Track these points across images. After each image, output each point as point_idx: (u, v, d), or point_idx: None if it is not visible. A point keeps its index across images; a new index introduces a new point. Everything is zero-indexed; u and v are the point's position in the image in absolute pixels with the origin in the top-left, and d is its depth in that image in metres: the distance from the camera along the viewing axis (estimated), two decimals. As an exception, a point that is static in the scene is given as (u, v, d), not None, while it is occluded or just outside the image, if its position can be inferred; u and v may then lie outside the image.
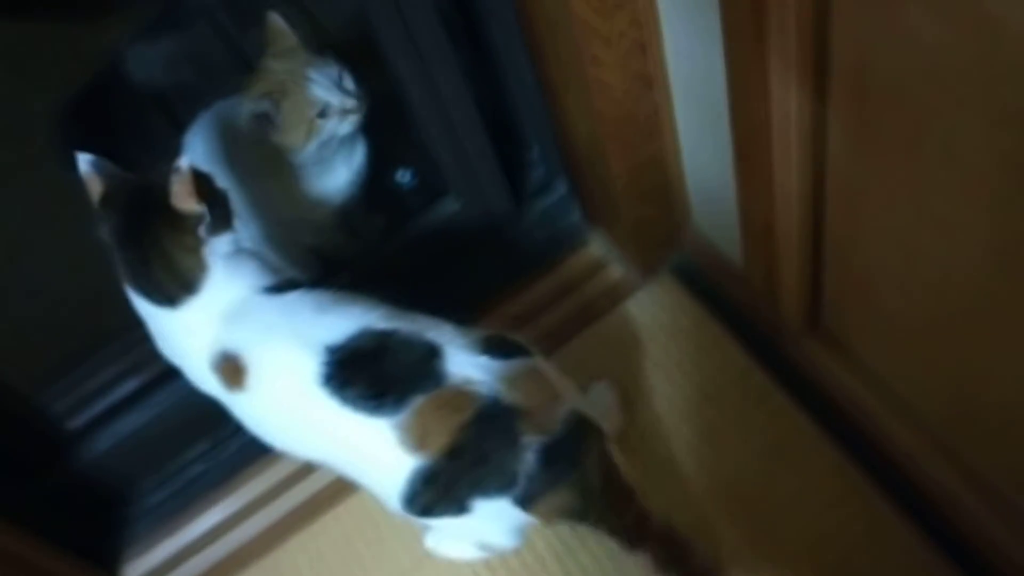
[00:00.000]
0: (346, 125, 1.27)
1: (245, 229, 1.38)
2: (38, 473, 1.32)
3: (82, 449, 1.35)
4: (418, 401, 0.96)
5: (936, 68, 0.73)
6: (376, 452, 0.97)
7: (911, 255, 0.93)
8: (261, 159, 1.30)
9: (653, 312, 1.40)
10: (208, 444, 1.42)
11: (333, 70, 1.24)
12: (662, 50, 1.08)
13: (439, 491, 0.98)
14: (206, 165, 1.33)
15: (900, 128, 0.82)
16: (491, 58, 1.30)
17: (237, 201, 1.32)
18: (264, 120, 1.21)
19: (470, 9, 1.26)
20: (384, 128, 1.38)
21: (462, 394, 0.96)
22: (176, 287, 1.01)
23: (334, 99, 1.23)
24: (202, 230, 0.99)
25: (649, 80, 1.11)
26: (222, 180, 1.30)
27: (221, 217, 1.01)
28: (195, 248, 1.00)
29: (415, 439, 0.96)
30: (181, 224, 0.99)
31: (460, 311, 1.28)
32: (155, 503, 1.39)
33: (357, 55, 1.30)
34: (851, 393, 1.18)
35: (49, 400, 1.39)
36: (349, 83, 1.25)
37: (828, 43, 0.83)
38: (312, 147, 1.25)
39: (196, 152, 1.37)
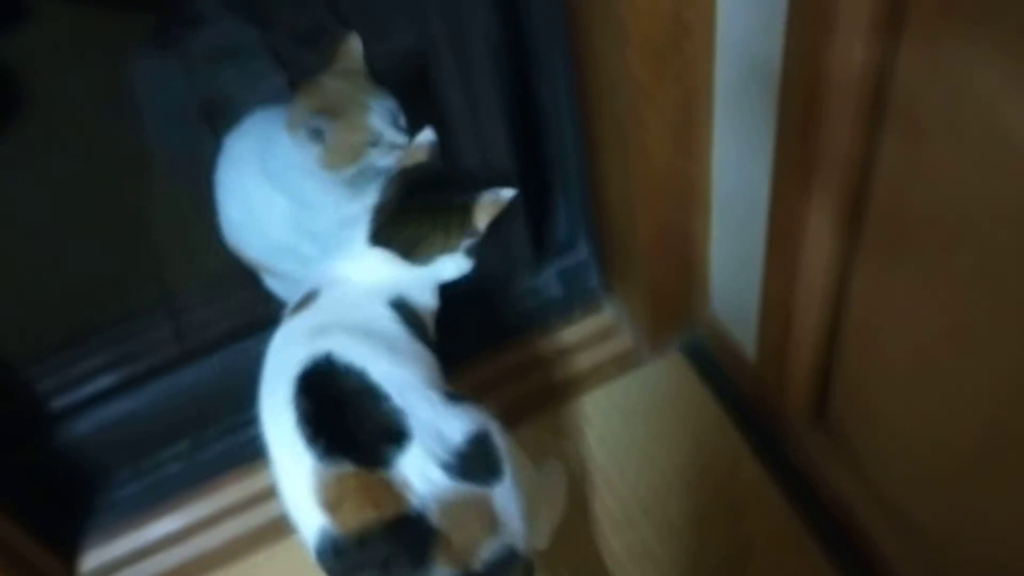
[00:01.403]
0: (389, 159, 1.27)
1: (267, 236, 1.38)
2: (13, 446, 1.30)
3: (62, 430, 1.33)
4: (346, 467, 0.91)
5: (972, 209, 0.74)
6: (296, 486, 0.94)
7: (927, 371, 0.93)
8: (296, 170, 1.29)
9: (657, 386, 1.39)
10: (188, 444, 1.40)
11: (392, 104, 1.24)
12: (711, 130, 1.09)
13: (345, 569, 0.93)
14: (242, 167, 1.35)
15: (929, 256, 0.83)
16: (536, 106, 1.31)
17: (267, 207, 1.33)
18: (314, 135, 1.20)
19: (523, 55, 1.27)
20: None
21: (391, 493, 0.90)
22: (409, 252, 1.06)
23: (388, 132, 1.22)
24: (464, 244, 1.06)
25: (691, 155, 1.11)
26: (255, 185, 1.33)
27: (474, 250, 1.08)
28: (447, 246, 1.06)
29: (328, 501, 0.91)
30: (455, 222, 1.06)
31: (461, 354, 1.27)
32: (125, 496, 1.36)
33: (402, 91, 1.30)
34: (846, 497, 1.16)
35: (39, 376, 1.37)
36: (402, 120, 1.26)
37: (869, 188, 0.85)
38: (351, 172, 1.25)
39: (234, 154, 1.38)
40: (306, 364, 0.96)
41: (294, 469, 0.93)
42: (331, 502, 0.91)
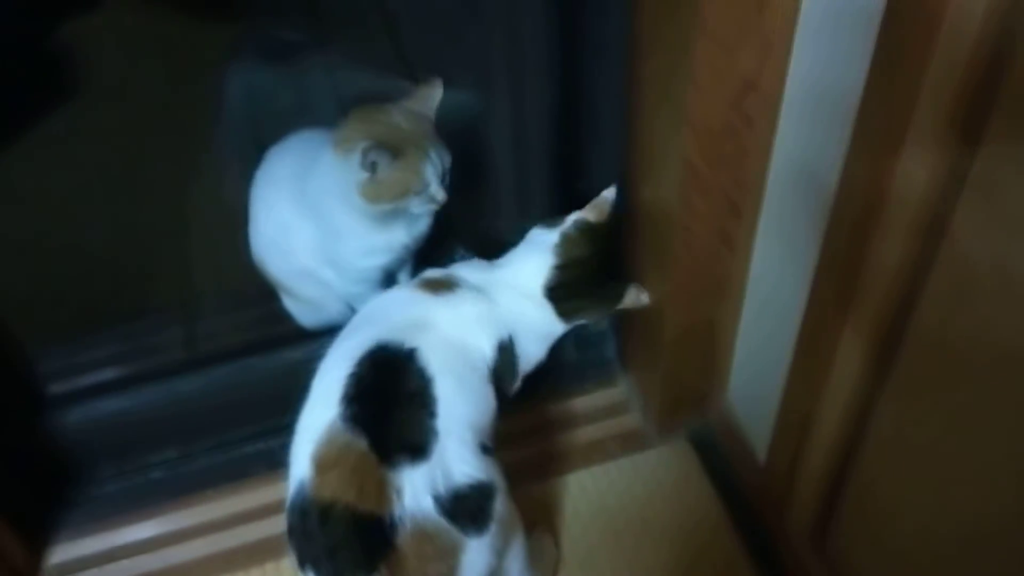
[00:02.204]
0: (423, 210, 1.26)
1: (291, 257, 1.37)
2: (2, 424, 1.28)
3: (53, 416, 1.31)
4: (359, 442, 0.91)
5: (1018, 353, 0.72)
6: (308, 427, 0.95)
7: (946, 512, 0.89)
8: (331, 196, 1.28)
9: (659, 472, 1.35)
10: (176, 453, 1.37)
11: (447, 159, 1.23)
12: (755, 224, 1.07)
13: (299, 532, 0.94)
14: (279, 185, 1.34)
15: (966, 395, 0.80)
16: (582, 170, 1.30)
17: (296, 229, 1.32)
18: (368, 163, 1.19)
19: (577, 124, 1.26)
20: (460, 204, 1.37)
21: (379, 490, 0.90)
22: (568, 315, 1.12)
23: (434, 185, 1.21)
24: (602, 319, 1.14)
25: (732, 245, 1.09)
26: (288, 205, 1.32)
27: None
28: (592, 315, 1.15)
29: (322, 459, 0.92)
30: (610, 308, 1.16)
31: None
32: (103, 494, 1.34)
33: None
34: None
35: (42, 357, 1.35)
36: (448, 178, 1.25)
37: (910, 317, 0.83)
38: (385, 208, 1.24)
39: (274, 170, 1.37)
40: (393, 340, 0.98)
41: (317, 411, 0.95)
42: (324, 462, 0.92)
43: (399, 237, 1.28)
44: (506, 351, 1.07)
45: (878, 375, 0.91)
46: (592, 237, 1.12)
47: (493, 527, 0.97)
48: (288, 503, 0.95)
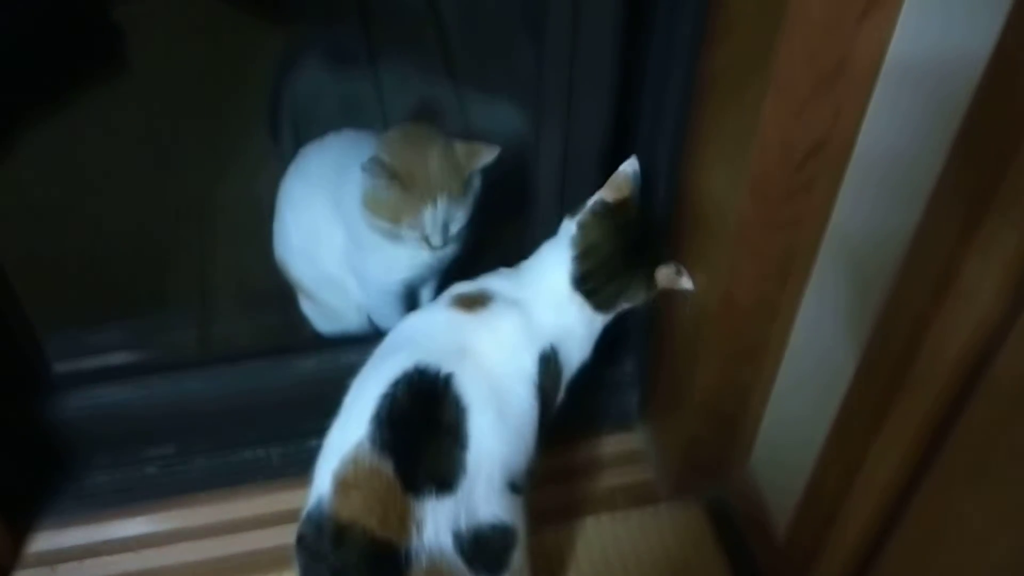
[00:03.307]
0: (418, 249, 1.23)
1: (317, 262, 1.33)
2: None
3: (54, 398, 1.27)
4: (386, 467, 0.88)
5: None
6: (336, 441, 0.93)
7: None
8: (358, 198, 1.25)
9: (669, 533, 1.28)
10: (173, 450, 1.34)
11: (459, 215, 1.20)
12: (802, 291, 1.01)
13: (310, 548, 0.90)
14: (313, 185, 1.30)
15: (1015, 493, 0.74)
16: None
17: (326, 234, 1.28)
18: (369, 173, 1.16)
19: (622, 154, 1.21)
20: (491, 232, 1.32)
21: (401, 520, 0.87)
22: (605, 304, 1.04)
23: (433, 236, 1.19)
24: (647, 300, 1.05)
25: (775, 312, 1.04)
26: (321, 207, 1.28)
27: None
28: (634, 299, 1.05)
29: (345, 479, 0.89)
30: (645, 286, 1.05)
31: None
32: (94, 485, 1.30)
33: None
34: None
35: (49, 334, 1.31)
36: (454, 229, 1.21)
37: (963, 408, 0.78)
38: (381, 226, 1.20)
39: (309, 168, 1.34)
40: (430, 365, 0.94)
41: (347, 429, 0.92)
42: (346, 481, 0.89)
43: (420, 257, 1.24)
44: (549, 362, 1.01)
45: (921, 467, 0.85)
46: (612, 217, 1.04)
47: (506, 575, 0.93)
48: (304, 514, 0.92)
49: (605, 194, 1.04)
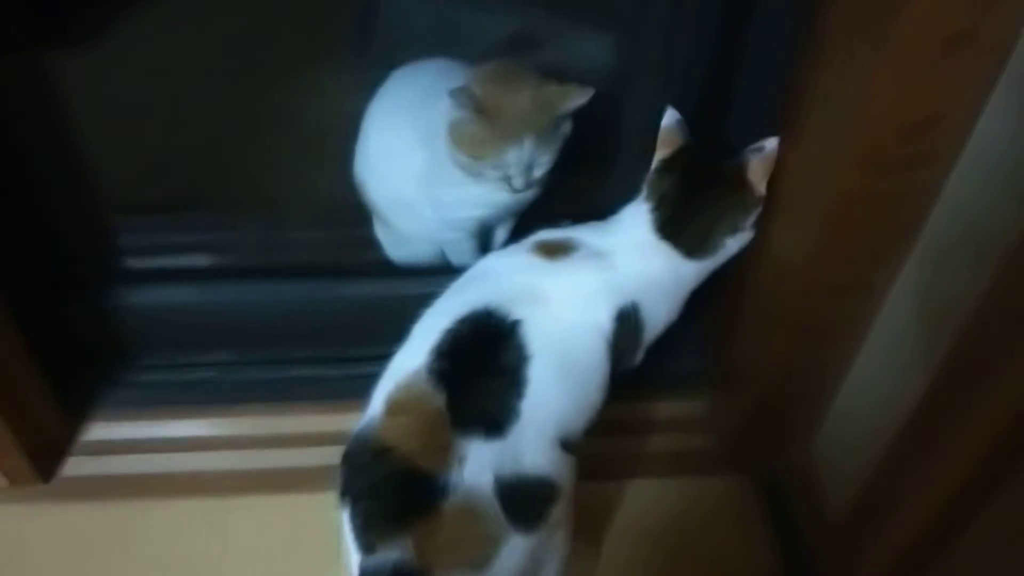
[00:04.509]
0: (498, 187, 1.19)
1: (394, 184, 1.31)
2: (67, 291, 1.25)
3: (123, 291, 1.28)
4: (438, 399, 0.89)
5: None
6: (396, 367, 0.95)
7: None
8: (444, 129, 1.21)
9: (719, 503, 1.25)
10: (231, 357, 1.35)
11: (544, 159, 1.15)
12: (897, 272, 0.95)
13: (353, 462, 0.91)
14: (399, 108, 1.28)
15: None
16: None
17: (406, 156, 1.26)
18: (457, 105, 1.12)
19: (719, 105, 1.16)
20: (571, 177, 1.28)
21: (443, 451, 0.87)
22: (696, 246, 1.02)
23: (515, 177, 1.15)
24: (750, 219, 1.01)
25: (863, 291, 0.98)
26: (403, 130, 1.25)
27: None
28: (734, 227, 1.02)
29: (396, 402, 0.91)
30: (738, 202, 1.01)
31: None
32: (151, 382, 1.33)
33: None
34: None
35: (123, 229, 1.32)
36: (537, 173, 1.16)
37: None
38: (464, 160, 1.17)
39: (397, 91, 1.31)
40: (500, 307, 0.94)
41: (408, 356, 0.94)
42: (397, 406, 0.90)
43: (499, 196, 1.21)
44: (627, 320, 1.00)
45: (997, 474, 0.80)
46: (674, 169, 1.03)
47: (542, 531, 0.92)
48: (355, 432, 0.93)
49: (659, 154, 1.04)
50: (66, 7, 1.28)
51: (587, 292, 0.98)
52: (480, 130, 1.12)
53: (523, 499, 0.91)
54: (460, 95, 1.11)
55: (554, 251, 1.01)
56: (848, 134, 0.86)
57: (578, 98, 1.14)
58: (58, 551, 1.20)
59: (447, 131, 1.15)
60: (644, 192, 1.03)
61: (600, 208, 1.13)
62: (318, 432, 1.27)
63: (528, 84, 1.14)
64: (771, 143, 0.99)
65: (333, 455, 0.94)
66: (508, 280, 0.99)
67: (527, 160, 1.14)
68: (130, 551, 1.20)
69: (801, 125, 0.96)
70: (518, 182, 1.15)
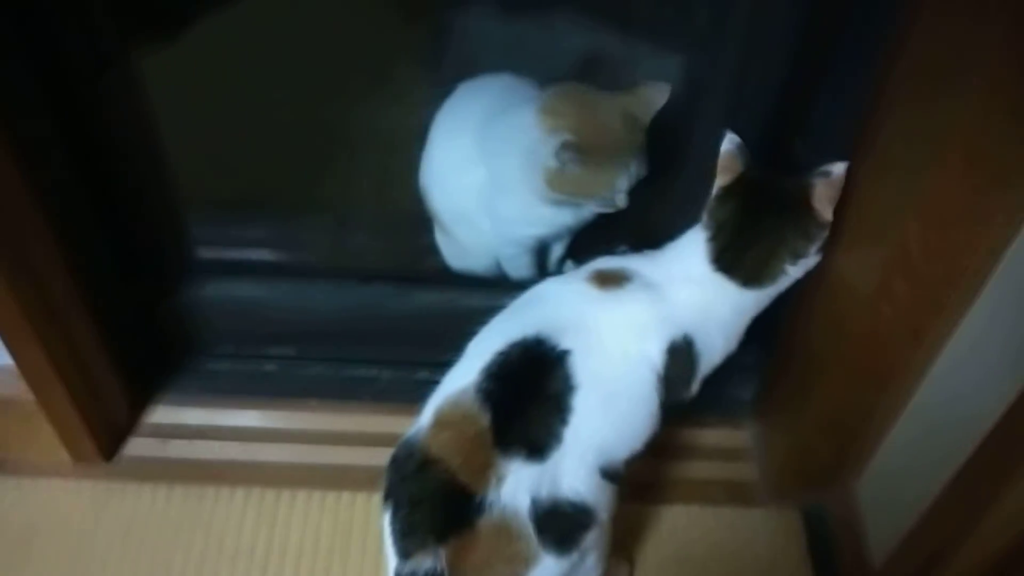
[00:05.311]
0: (564, 213, 1.21)
1: (454, 195, 1.33)
2: (145, 274, 1.30)
3: (193, 281, 1.32)
4: (483, 420, 0.91)
5: None
6: (448, 382, 0.97)
7: None
8: (514, 151, 1.23)
9: (759, 537, 1.25)
10: (293, 352, 1.38)
11: (643, 172, 1.15)
12: (959, 321, 0.94)
13: (397, 471, 0.94)
14: (465, 119, 1.30)
15: None
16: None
17: (468, 170, 1.28)
18: (559, 158, 1.11)
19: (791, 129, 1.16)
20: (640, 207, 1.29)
21: (484, 470, 0.89)
22: (755, 275, 1.00)
23: (620, 197, 1.15)
24: (815, 245, 0.99)
25: (921, 339, 0.97)
26: (468, 143, 1.27)
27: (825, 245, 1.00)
28: (797, 254, 0.99)
29: (442, 417, 0.93)
30: (801, 228, 0.99)
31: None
32: (215, 371, 1.36)
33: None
34: None
35: (197, 220, 1.36)
36: (635, 181, 1.17)
37: None
38: (558, 199, 1.18)
39: (464, 103, 1.33)
40: (550, 335, 0.95)
41: (460, 372, 0.96)
42: (444, 419, 0.93)
43: (564, 218, 1.23)
44: (679, 352, 0.99)
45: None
46: (735, 196, 1.00)
47: (575, 556, 0.93)
48: (404, 437, 0.96)
49: (719, 180, 1.01)
50: (155, 9, 1.32)
51: (637, 324, 0.98)
52: (587, 173, 1.12)
53: (558, 523, 0.92)
54: (565, 153, 1.10)
55: (608, 281, 1.01)
56: (922, 179, 0.85)
57: (658, 98, 1.13)
58: (113, 529, 1.24)
59: (544, 180, 1.14)
60: (703, 220, 1.02)
61: (657, 226, 1.13)
62: (372, 432, 1.30)
63: (612, 105, 1.13)
64: (839, 167, 0.96)
65: (384, 457, 0.96)
66: (561, 308, 0.99)
67: (633, 178, 1.14)
68: (182, 535, 1.23)
69: (871, 163, 0.96)
70: (623, 200, 1.15)
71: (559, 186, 1.14)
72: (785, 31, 1.01)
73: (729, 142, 1.01)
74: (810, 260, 1.00)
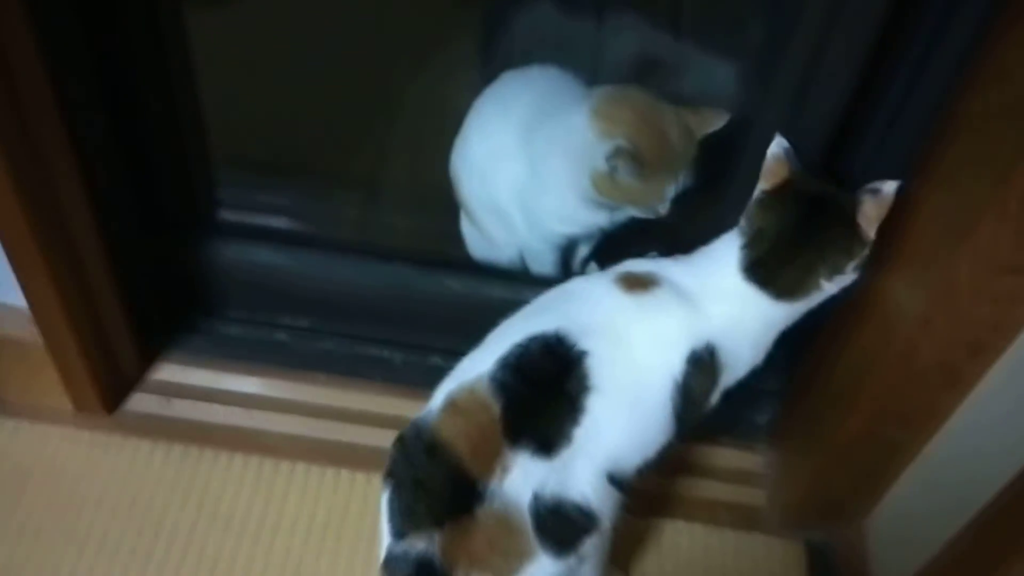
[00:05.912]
0: (599, 214, 1.20)
1: (488, 187, 1.31)
2: (165, 229, 1.28)
3: (213, 241, 1.30)
4: (494, 409, 0.90)
5: None
6: (464, 368, 0.96)
7: None
8: (557, 148, 1.20)
9: (762, 564, 1.23)
10: (306, 324, 1.36)
11: (687, 184, 1.14)
12: (993, 365, 0.92)
13: (404, 452, 0.93)
14: (507, 110, 1.27)
15: None
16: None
17: (506, 163, 1.26)
18: (612, 164, 1.10)
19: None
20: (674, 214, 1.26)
21: (492, 460, 0.88)
22: (788, 289, 0.96)
23: (663, 206, 1.14)
24: (855, 263, 0.94)
25: (956, 381, 0.94)
26: (508, 135, 1.25)
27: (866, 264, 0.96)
28: (835, 270, 0.95)
29: (455, 403, 0.92)
30: (842, 244, 0.94)
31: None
32: (226, 335, 1.34)
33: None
34: None
35: (224, 182, 1.34)
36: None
37: None
38: (602, 202, 1.16)
39: (507, 92, 1.30)
40: (570, 335, 0.93)
41: (478, 358, 0.95)
42: (456, 405, 0.92)
43: (599, 219, 1.21)
44: (700, 362, 0.96)
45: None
46: (778, 203, 0.96)
47: (572, 560, 0.92)
48: (414, 419, 0.94)
49: (763, 184, 0.97)
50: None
51: (660, 331, 0.96)
52: (637, 181, 1.11)
53: (559, 523, 0.91)
54: (620, 159, 1.08)
55: (636, 285, 0.98)
56: (969, 230, 0.82)
57: (716, 123, 1.13)
58: (108, 482, 1.23)
59: (592, 181, 1.13)
60: (740, 224, 0.98)
61: (689, 233, 1.10)
62: (378, 413, 1.29)
63: (671, 117, 1.12)
64: (889, 186, 0.92)
65: (389, 439, 0.95)
66: (586, 308, 0.97)
67: (679, 189, 1.14)
68: (176, 495, 1.22)
69: (917, 205, 0.93)
70: (664, 208, 1.15)
71: (605, 190, 1.13)
72: (854, 44, 0.97)
73: (777, 145, 0.97)
74: (847, 277, 0.96)
